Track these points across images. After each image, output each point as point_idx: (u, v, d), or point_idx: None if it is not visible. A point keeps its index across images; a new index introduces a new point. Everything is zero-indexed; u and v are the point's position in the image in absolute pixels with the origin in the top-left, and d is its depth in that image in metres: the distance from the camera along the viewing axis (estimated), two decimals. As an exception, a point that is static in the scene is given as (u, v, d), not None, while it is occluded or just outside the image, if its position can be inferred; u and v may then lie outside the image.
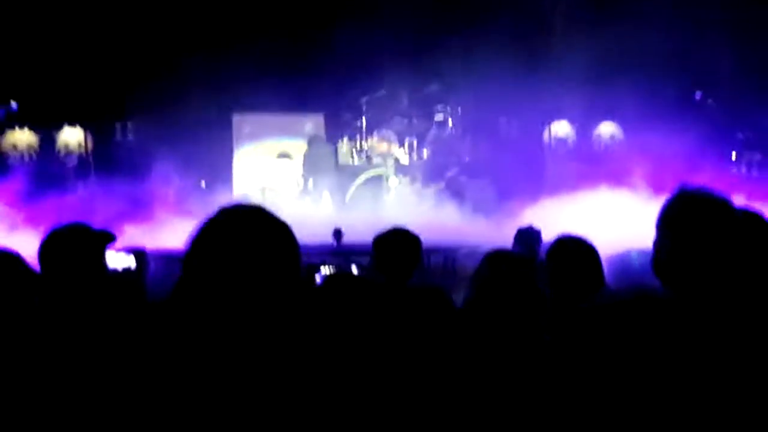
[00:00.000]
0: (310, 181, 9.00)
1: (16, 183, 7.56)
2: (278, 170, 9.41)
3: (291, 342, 1.13)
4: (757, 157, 8.38)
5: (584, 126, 9.95)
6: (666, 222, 1.60)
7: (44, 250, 2.36)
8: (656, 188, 6.38)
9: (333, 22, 8.08)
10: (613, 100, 8.85)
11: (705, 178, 6.84)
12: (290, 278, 1.15)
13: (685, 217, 1.55)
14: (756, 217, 2.27)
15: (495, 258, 2.23)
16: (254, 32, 8.54)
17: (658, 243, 1.61)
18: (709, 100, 6.66)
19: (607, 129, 9.92)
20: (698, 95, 6.82)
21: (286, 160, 9.50)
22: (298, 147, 9.44)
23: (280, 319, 1.13)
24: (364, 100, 9.24)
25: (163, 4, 8.49)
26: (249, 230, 1.16)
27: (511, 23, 8.32)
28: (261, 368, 1.08)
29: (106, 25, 8.30)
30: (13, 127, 8.61)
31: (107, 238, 2.51)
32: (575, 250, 2.41)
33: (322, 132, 9.46)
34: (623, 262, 4.70)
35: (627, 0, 7.90)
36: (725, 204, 1.54)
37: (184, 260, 1.13)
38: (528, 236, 3.79)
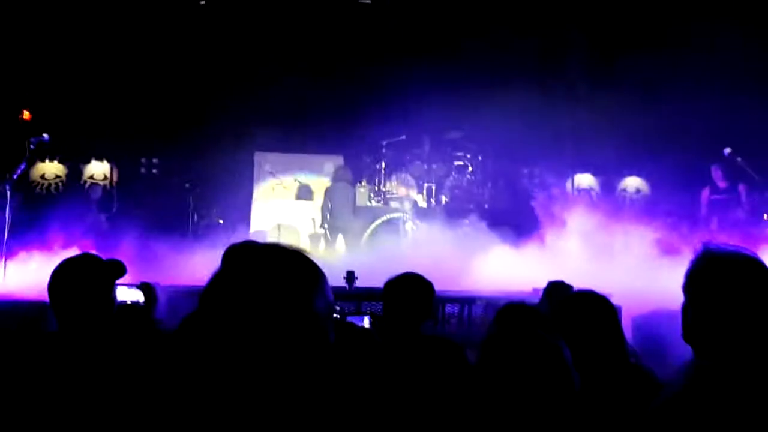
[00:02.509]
0: (327, 217, 9.00)
1: (40, 212, 7.68)
2: (295, 209, 9.46)
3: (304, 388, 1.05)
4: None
5: (609, 179, 9.88)
6: (690, 285, 1.49)
7: (54, 279, 2.36)
8: (684, 246, 6.20)
9: (356, 67, 8.23)
10: (639, 155, 8.78)
11: (736, 237, 6.67)
12: (311, 320, 1.06)
13: (710, 279, 1.43)
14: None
15: (506, 312, 2.15)
16: (278, 74, 8.75)
17: (684, 307, 1.51)
18: (739, 158, 6.57)
19: (632, 183, 9.82)
20: (727, 152, 6.72)
21: (303, 201, 9.57)
22: (317, 184, 9.50)
23: (299, 363, 1.04)
24: (384, 143, 9.29)
25: (189, 47, 8.77)
26: (274, 267, 1.08)
27: (536, 74, 8.39)
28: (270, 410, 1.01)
29: (137, 69, 8.59)
30: (44, 159, 8.84)
31: (117, 270, 2.50)
32: (589, 305, 2.27)
33: (345, 170, 9.47)
34: (648, 323, 4.50)
35: (652, 56, 7.93)
36: (751, 263, 1.42)
37: (202, 293, 1.08)
38: (558, 291, 3.45)
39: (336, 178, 9.15)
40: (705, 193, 7.91)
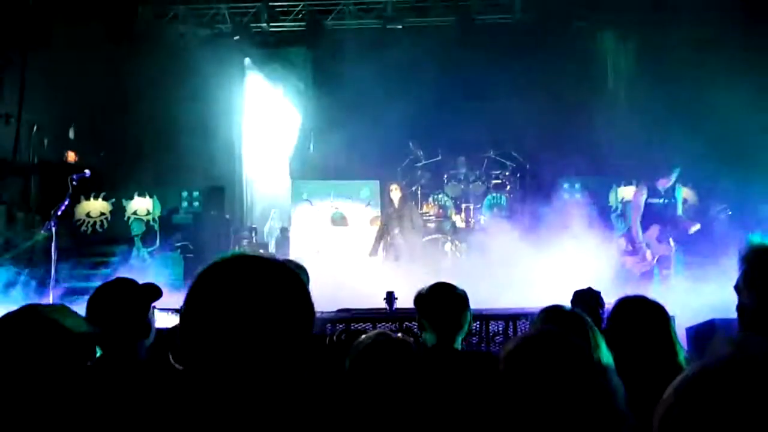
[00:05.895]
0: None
1: (86, 249, 7.92)
2: (334, 234, 9.47)
3: (295, 400, 1.02)
4: None
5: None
6: (744, 274, 1.69)
7: (91, 304, 2.40)
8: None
9: (389, 90, 8.27)
10: (685, 164, 8.48)
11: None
12: (291, 332, 1.03)
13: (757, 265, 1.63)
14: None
15: (541, 317, 2.06)
16: (312, 102, 8.89)
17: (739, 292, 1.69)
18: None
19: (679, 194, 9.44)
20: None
21: (341, 227, 9.59)
22: (353, 210, 9.54)
23: (279, 376, 1.02)
24: (419, 165, 9.27)
25: (226, 76, 8.98)
26: (242, 279, 1.06)
27: (573, 86, 8.26)
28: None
29: (175, 103, 8.85)
30: (88, 197, 9.13)
31: (153, 293, 2.52)
32: (640, 310, 2.19)
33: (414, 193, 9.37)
34: (707, 331, 4.28)
35: (694, 60, 7.73)
36: None
37: (181, 311, 1.07)
38: (586, 298, 3.39)
39: (404, 201, 9.20)
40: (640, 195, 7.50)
